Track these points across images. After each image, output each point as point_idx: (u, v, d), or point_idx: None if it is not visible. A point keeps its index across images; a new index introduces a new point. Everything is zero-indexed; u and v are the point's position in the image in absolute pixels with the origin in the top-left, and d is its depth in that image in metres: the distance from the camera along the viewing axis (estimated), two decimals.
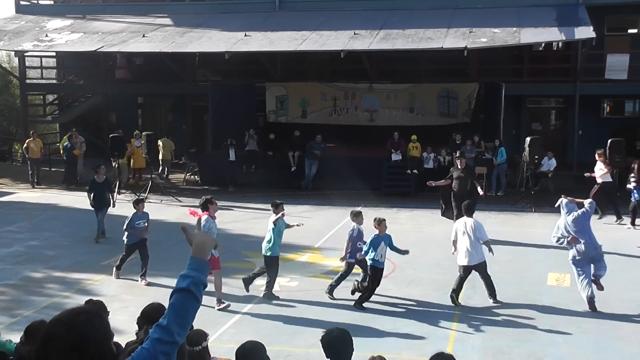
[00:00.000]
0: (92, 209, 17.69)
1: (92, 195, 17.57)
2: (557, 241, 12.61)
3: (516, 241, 17.35)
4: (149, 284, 13.63)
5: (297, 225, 13.30)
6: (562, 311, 12.11)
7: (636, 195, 18.90)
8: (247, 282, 13.04)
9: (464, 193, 16.78)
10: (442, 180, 17.60)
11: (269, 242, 12.75)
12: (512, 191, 23.91)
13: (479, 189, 16.87)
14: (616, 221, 19.41)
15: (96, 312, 2.96)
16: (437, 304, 12.49)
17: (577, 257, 12.15)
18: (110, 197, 18.10)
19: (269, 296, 12.77)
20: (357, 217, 12.98)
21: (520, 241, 17.37)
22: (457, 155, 18.15)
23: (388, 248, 12.41)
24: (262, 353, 5.41)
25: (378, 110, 28.16)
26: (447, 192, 17.57)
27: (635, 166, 19.08)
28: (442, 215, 18.22)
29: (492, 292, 12.61)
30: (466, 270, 12.48)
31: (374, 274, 12.31)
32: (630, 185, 19.07)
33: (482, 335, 10.94)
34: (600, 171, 19.79)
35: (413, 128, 26.45)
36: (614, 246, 16.76)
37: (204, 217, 12.40)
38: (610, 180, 19.87)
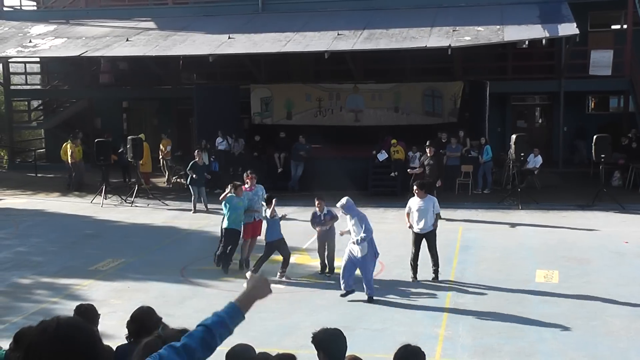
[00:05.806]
0: (189, 185, 21.91)
1: (193, 175, 21.50)
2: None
3: (503, 239, 17.40)
4: (137, 289, 13.56)
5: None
6: (551, 308, 12.14)
7: None
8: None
9: (435, 178, 19.56)
10: (417, 169, 20.77)
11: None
12: (499, 189, 23.92)
13: (439, 181, 19.47)
14: None
15: (79, 319, 2.91)
16: (425, 304, 12.51)
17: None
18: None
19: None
20: None
21: (507, 239, 17.42)
22: (427, 144, 20.73)
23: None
24: (252, 355, 5.40)
25: (363, 110, 28.14)
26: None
27: None
28: None
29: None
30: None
31: None
32: None
33: (471, 334, 10.95)
34: None
35: (399, 127, 26.47)
36: (602, 242, 16.87)
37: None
38: None
